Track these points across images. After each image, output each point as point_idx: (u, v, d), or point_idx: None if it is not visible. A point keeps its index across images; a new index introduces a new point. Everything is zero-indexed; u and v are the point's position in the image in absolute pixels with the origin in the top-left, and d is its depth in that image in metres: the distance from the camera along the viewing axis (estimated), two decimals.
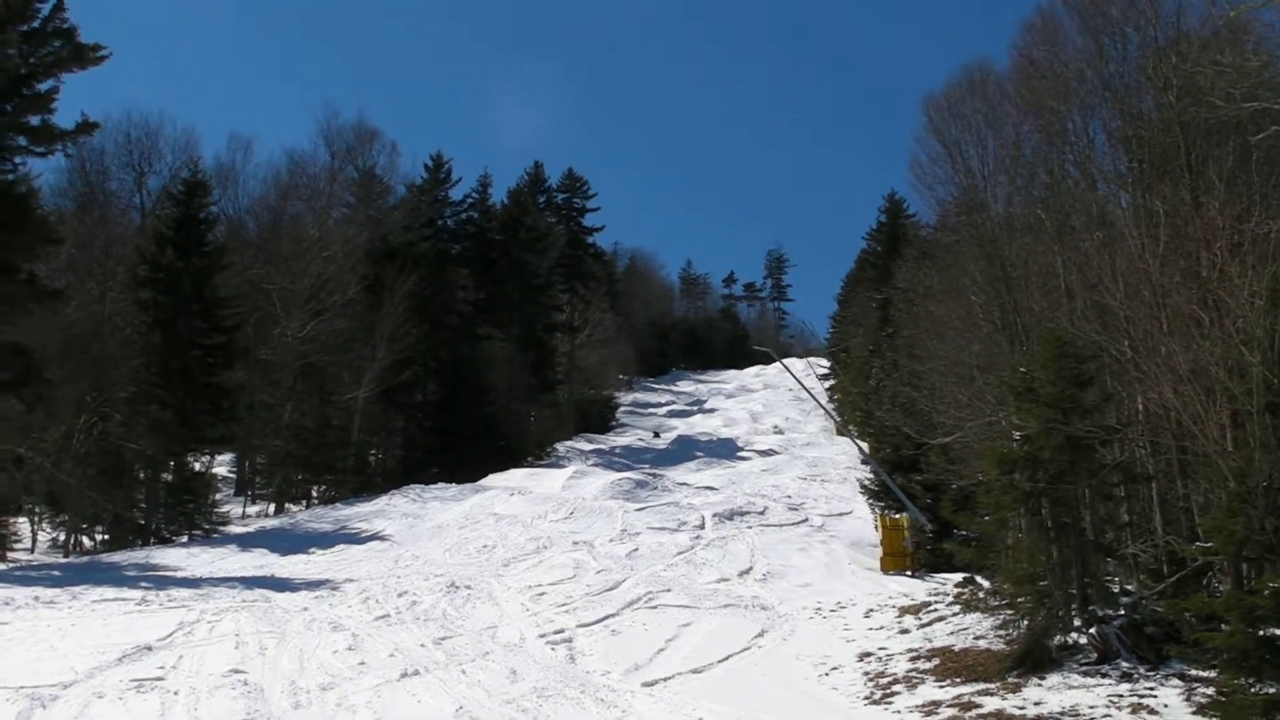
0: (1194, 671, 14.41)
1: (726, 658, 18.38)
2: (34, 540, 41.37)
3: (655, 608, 22.21)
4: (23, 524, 41.80)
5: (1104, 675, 15.00)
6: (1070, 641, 16.20)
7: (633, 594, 23.40)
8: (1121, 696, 14.05)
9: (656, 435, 73.38)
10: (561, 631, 19.91)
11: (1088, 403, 17.05)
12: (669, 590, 23.92)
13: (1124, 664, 15.25)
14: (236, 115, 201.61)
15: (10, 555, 38.04)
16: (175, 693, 13.80)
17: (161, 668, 15.14)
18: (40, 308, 33.97)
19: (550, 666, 17.04)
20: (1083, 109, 22.51)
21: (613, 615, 21.41)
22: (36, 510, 41.73)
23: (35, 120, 33.30)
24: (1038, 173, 24.91)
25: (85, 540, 40.81)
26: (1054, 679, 15.13)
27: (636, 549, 29.75)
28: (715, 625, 20.76)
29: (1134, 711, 13.45)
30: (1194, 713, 13.28)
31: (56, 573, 27.80)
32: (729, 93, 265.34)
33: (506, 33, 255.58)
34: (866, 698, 15.82)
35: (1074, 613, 16.50)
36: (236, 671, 15.16)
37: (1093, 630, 15.86)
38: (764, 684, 16.65)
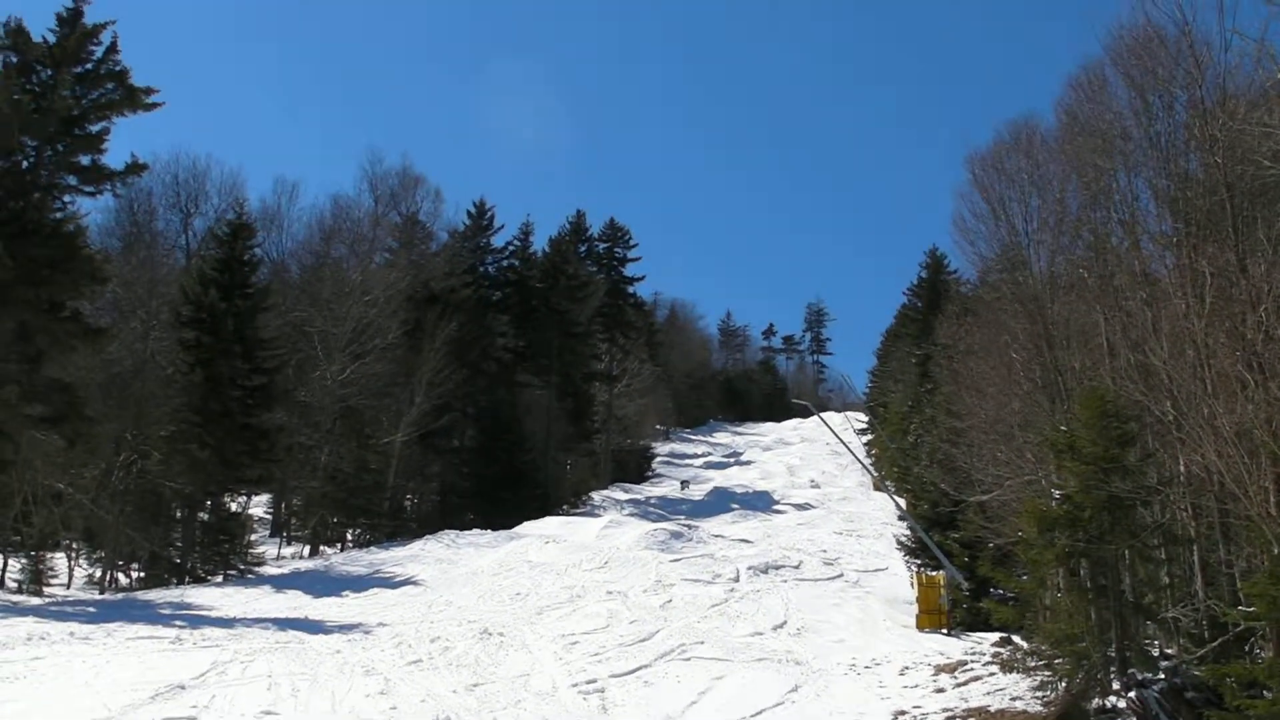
0: None
1: (759, 712, 18.24)
2: (70, 576, 41.55)
3: (688, 659, 22.08)
4: (60, 560, 42.01)
5: None
6: (1109, 705, 15.99)
7: (666, 645, 23.27)
8: None
9: (684, 486, 73.05)
10: (594, 681, 19.81)
11: (1129, 462, 16.91)
12: (702, 642, 23.77)
13: None
14: (282, 159, 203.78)
15: (47, 590, 38.18)
16: None
17: (194, 707, 15.13)
18: (84, 345, 34.29)
19: (582, 716, 16.94)
20: (1128, 167, 22.42)
21: (646, 666, 21.29)
22: (74, 546, 41.95)
23: (85, 160, 33.75)
24: (1082, 231, 24.80)
25: (121, 577, 40.96)
26: None
27: (670, 600, 29.60)
28: (748, 679, 20.62)
29: None
30: None
31: (92, 609, 27.86)
32: (774, 145, 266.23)
33: (552, 83, 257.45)
34: None
35: (1113, 675, 16.30)
36: (269, 713, 15.13)
37: (1132, 694, 15.65)
38: None
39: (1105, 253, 23.20)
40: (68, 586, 40.47)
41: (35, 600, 33.47)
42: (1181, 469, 18.44)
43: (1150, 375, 19.04)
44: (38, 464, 35.81)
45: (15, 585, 38.93)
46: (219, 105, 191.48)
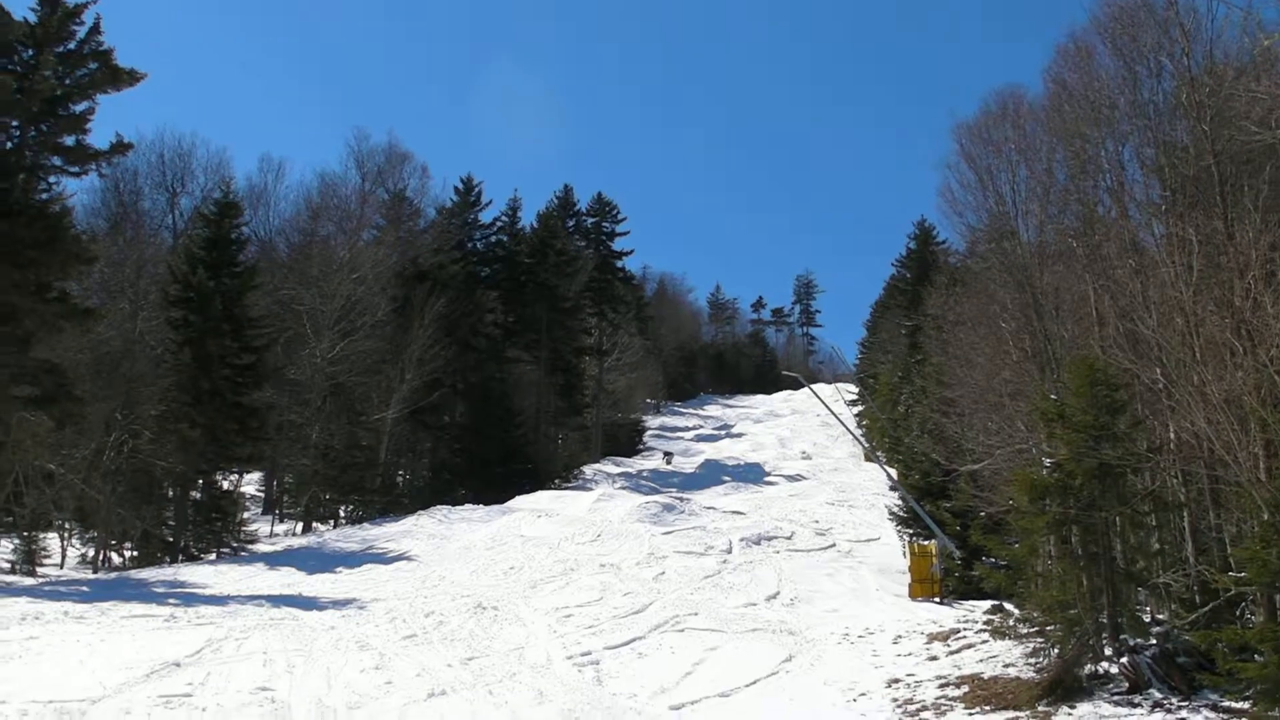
0: (1227, 702, 14.27)
1: (753, 682, 18.30)
2: (64, 556, 41.55)
3: (682, 631, 22.16)
4: (52, 540, 41.99)
5: (1135, 705, 14.86)
6: (1101, 670, 16.07)
7: (659, 617, 23.35)
8: None
9: (668, 459, 72.90)
10: (588, 654, 19.87)
11: (1119, 430, 16.93)
12: (696, 614, 23.86)
13: (1156, 694, 15.10)
14: (268, 137, 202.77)
15: (40, 571, 38.19)
16: (203, 709, 13.81)
17: (189, 684, 15.15)
18: (72, 326, 34.21)
19: (577, 688, 16.99)
20: (1115, 136, 22.41)
21: (639, 638, 21.37)
22: (66, 526, 41.94)
23: (70, 140, 33.59)
24: (1070, 200, 24.80)
25: (114, 556, 40.96)
26: (1084, 708, 15.00)
27: (663, 572, 29.69)
28: (742, 649, 20.69)
29: None
30: None
31: (85, 588, 27.87)
32: (760, 117, 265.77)
33: (536, 53, 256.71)
34: None
35: (1105, 641, 16.37)
36: (264, 689, 15.16)
37: (1124, 659, 15.72)
38: (791, 709, 16.57)
39: (1093, 222, 23.20)
40: (61, 566, 40.47)
41: (29, 580, 33.46)
42: (1171, 436, 18.49)
43: (1139, 343, 19.08)
44: (28, 445, 35.76)
45: (8, 566, 38.93)
46: (203, 84, 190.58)
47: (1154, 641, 16.08)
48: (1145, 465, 18.03)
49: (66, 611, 21.49)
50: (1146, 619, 17.58)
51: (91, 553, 40.91)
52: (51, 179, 33.71)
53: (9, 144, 32.47)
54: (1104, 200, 23.27)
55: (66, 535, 42.15)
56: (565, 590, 27.01)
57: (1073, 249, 23.24)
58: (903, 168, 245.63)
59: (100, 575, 36.06)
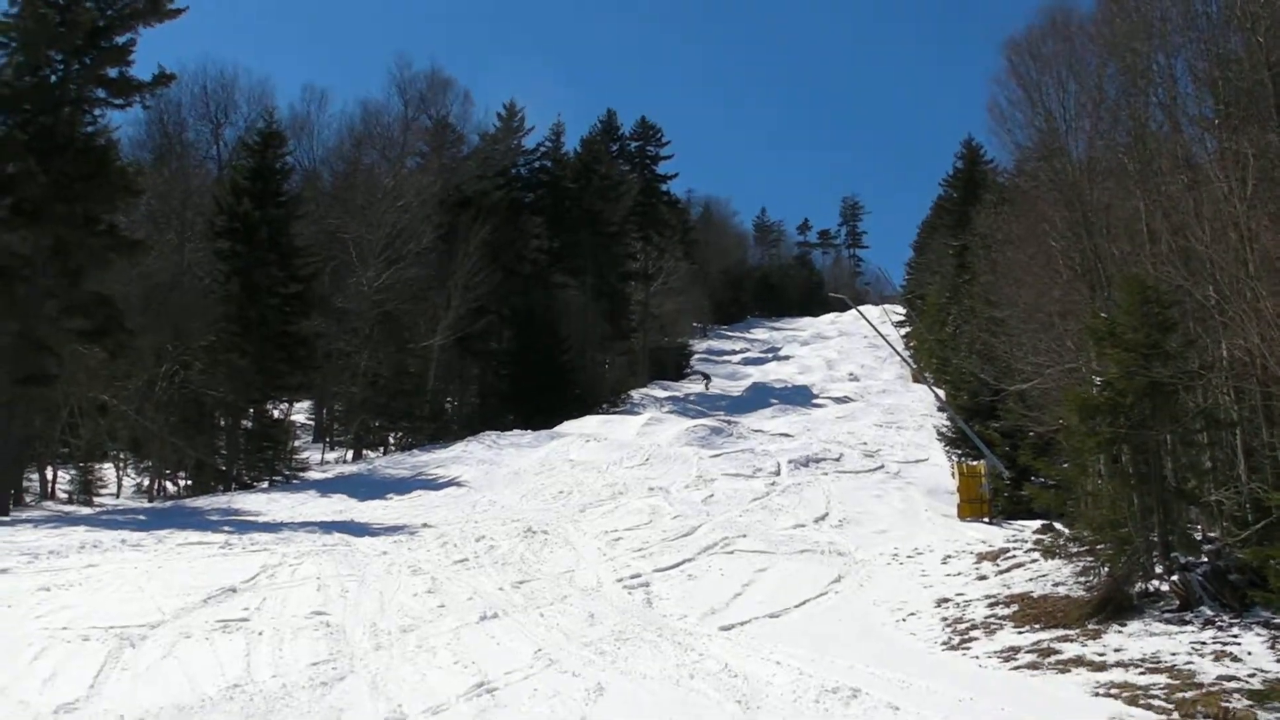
0: (1279, 619, 14.20)
1: (803, 603, 18.34)
2: (119, 485, 42.14)
3: (731, 553, 22.22)
4: (108, 470, 42.59)
5: (1186, 623, 14.79)
6: (1151, 589, 15.99)
7: (708, 539, 23.41)
8: (1204, 644, 13.85)
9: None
10: (638, 576, 19.96)
11: (1171, 348, 16.73)
12: (745, 536, 23.90)
13: (1207, 611, 15.02)
14: (310, 66, 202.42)
15: (97, 500, 38.76)
16: (260, 633, 13.99)
17: (246, 609, 15.35)
18: (121, 258, 34.50)
19: (627, 610, 17.10)
20: (1167, 49, 21.93)
21: (689, 560, 21.44)
22: (121, 456, 42.52)
23: (113, 73, 33.68)
24: (1120, 116, 24.35)
25: (169, 485, 41.51)
26: (1135, 626, 14.94)
27: (712, 495, 29.74)
28: (791, 571, 20.73)
29: (1216, 659, 13.25)
30: (1278, 660, 13.08)
31: (142, 517, 28.25)
32: (804, 37, 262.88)
33: None
34: (944, 643, 15.72)
35: (1155, 560, 16.28)
36: (319, 613, 15.34)
37: (1175, 577, 15.64)
38: (841, 629, 16.59)
39: (1145, 137, 22.78)
40: (117, 496, 41.06)
41: (86, 510, 33.96)
42: (1224, 353, 18.26)
43: (1192, 260, 18.79)
44: (81, 377, 36.21)
45: (66, 496, 39.56)
46: (244, 13, 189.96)
47: (1205, 559, 15.98)
48: (1197, 383, 17.82)
49: (124, 540, 21.78)
50: (1198, 537, 17.44)
51: (146, 482, 41.48)
52: (96, 112, 33.89)
53: (53, 77, 32.59)
54: (1155, 115, 22.85)
55: (122, 465, 42.73)
56: (614, 514, 27.12)
57: (1124, 165, 22.86)
58: (949, 86, 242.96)
59: (156, 504, 36.59)
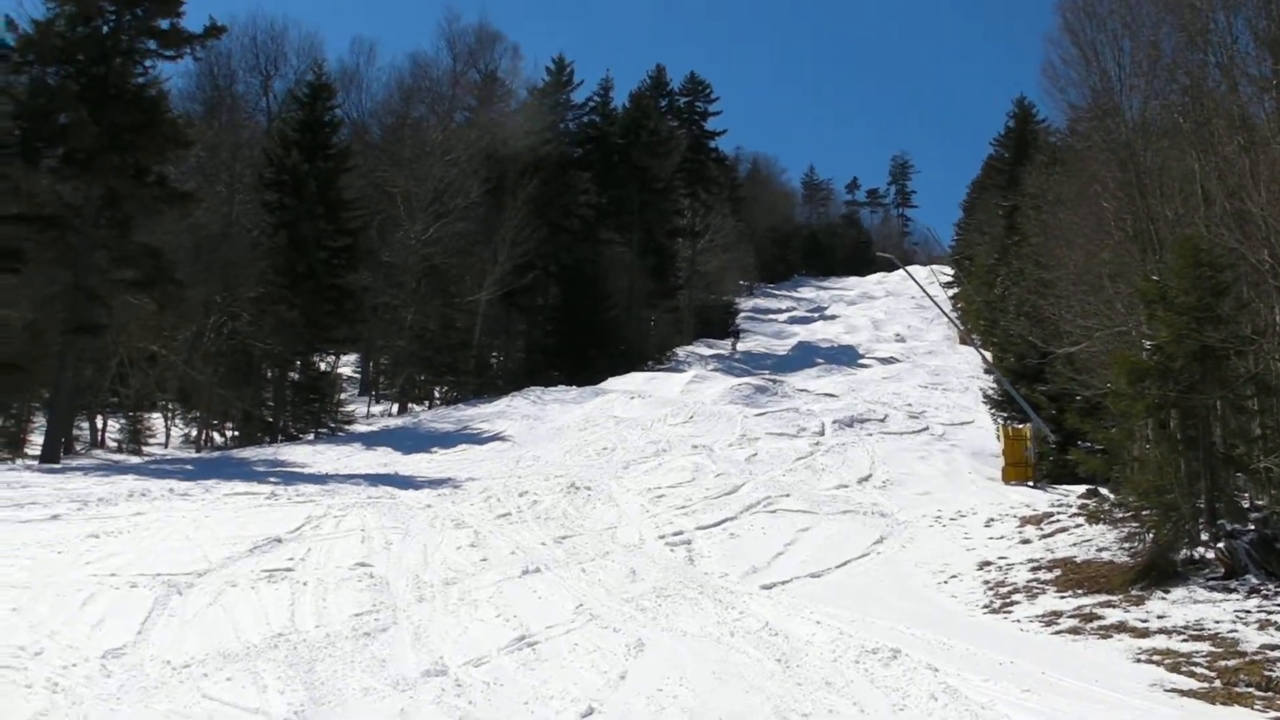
0: None
1: (844, 563, 18.35)
2: (168, 435, 42.61)
3: (774, 512, 22.22)
4: (157, 420, 43.07)
5: (1231, 590, 14.68)
6: (1197, 556, 15.88)
7: (751, 498, 23.43)
8: (1249, 612, 13.75)
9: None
10: (680, 533, 20.01)
11: (1223, 312, 16.55)
12: (788, 495, 23.90)
13: (1252, 579, 14.90)
14: (359, 19, 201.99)
15: (145, 450, 39.23)
16: (304, 583, 14.12)
17: (290, 559, 15.49)
18: (170, 209, 34.74)
19: (669, 567, 17.15)
20: (1227, 6, 21.57)
21: (731, 519, 21.47)
22: (169, 407, 42.98)
23: (164, 24, 33.80)
24: (1176, 75, 24.01)
25: (216, 436, 41.93)
26: (1179, 593, 14.85)
27: (755, 454, 29.71)
28: (834, 531, 20.73)
29: (1261, 628, 13.16)
30: None
31: (189, 467, 28.53)
32: None
33: None
34: (985, 606, 15.70)
35: (1201, 526, 16.16)
36: (362, 565, 15.46)
37: (1220, 544, 15.52)
38: (882, 590, 16.60)
39: (1201, 97, 22.45)
40: (165, 445, 41.53)
41: (135, 459, 34.36)
42: (1277, 319, 18.05)
43: (1247, 223, 18.55)
44: (131, 327, 36.62)
45: (115, 445, 40.08)
46: None
47: (1252, 527, 15.84)
48: (1249, 348, 17.61)
49: (172, 489, 22.02)
50: (1245, 504, 17.30)
51: (194, 432, 41.92)
52: (147, 63, 34.08)
53: (105, 28, 32.75)
54: (1213, 74, 22.50)
55: (170, 415, 43.20)
56: (657, 471, 27.14)
57: (1179, 125, 22.57)
58: (1001, 44, 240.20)
59: (203, 454, 36.96)
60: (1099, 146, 25.92)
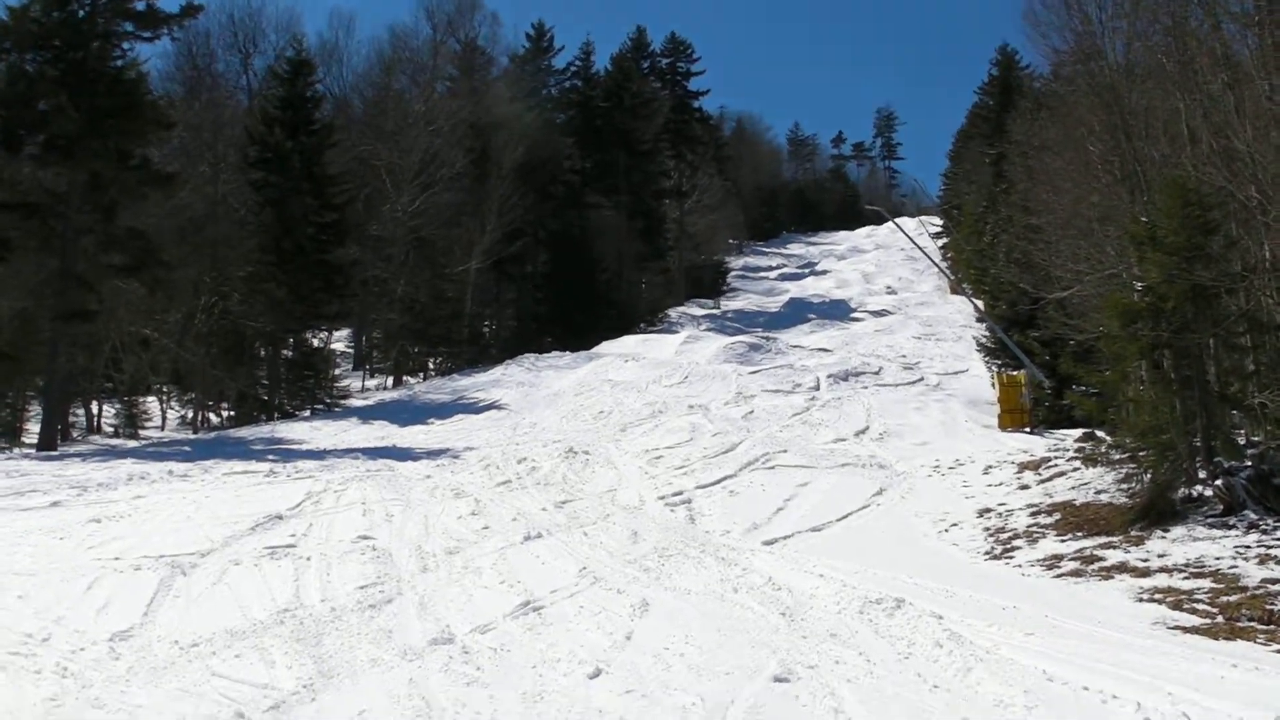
0: None
1: (845, 516, 18.40)
2: (164, 418, 42.65)
3: (772, 468, 22.28)
4: (152, 403, 43.08)
5: (1230, 527, 14.74)
6: (1195, 494, 15.92)
7: (750, 455, 23.48)
8: (1248, 548, 13.82)
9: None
10: (680, 493, 20.06)
11: (1213, 250, 16.54)
12: (786, 451, 23.96)
13: (1250, 515, 14.95)
14: None
15: (142, 433, 39.23)
16: (307, 558, 14.14)
17: (293, 535, 15.51)
18: (155, 192, 34.63)
19: (670, 527, 17.20)
20: None
21: (730, 476, 21.52)
22: (164, 389, 43.00)
23: (140, 5, 33.63)
24: (1159, 15, 23.92)
25: (212, 417, 41.97)
26: (1178, 531, 14.92)
27: (752, 411, 29.77)
28: (833, 484, 20.78)
29: (1261, 562, 13.22)
30: None
31: (187, 448, 28.53)
32: None
33: None
34: (987, 553, 15.76)
35: (1198, 465, 16.20)
36: (364, 538, 15.48)
37: (1218, 482, 15.56)
38: (884, 541, 16.65)
39: (1184, 36, 22.36)
40: (162, 428, 41.55)
41: (132, 443, 34.37)
42: (1267, 255, 18.04)
43: (1234, 160, 18.51)
44: (122, 312, 36.54)
45: (112, 430, 40.08)
46: None
47: (1249, 463, 15.90)
48: (1240, 286, 17.62)
49: (170, 471, 22.03)
50: (1241, 441, 17.34)
51: (190, 414, 41.97)
52: (125, 45, 33.90)
53: (80, 12, 32.54)
54: (1195, 13, 22.42)
55: (165, 398, 43.23)
56: (655, 432, 27.20)
57: (1163, 66, 22.50)
58: None
59: (200, 435, 36.99)
60: (1083, 90, 25.86)
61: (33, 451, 30.15)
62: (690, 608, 12.03)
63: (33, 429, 35.77)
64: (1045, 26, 26.90)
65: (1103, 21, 25.07)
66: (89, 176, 31.66)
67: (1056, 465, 20.97)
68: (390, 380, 49.83)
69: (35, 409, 37.67)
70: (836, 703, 8.93)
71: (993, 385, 30.52)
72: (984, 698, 9.02)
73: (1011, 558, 15.24)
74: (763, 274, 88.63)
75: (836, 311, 64.30)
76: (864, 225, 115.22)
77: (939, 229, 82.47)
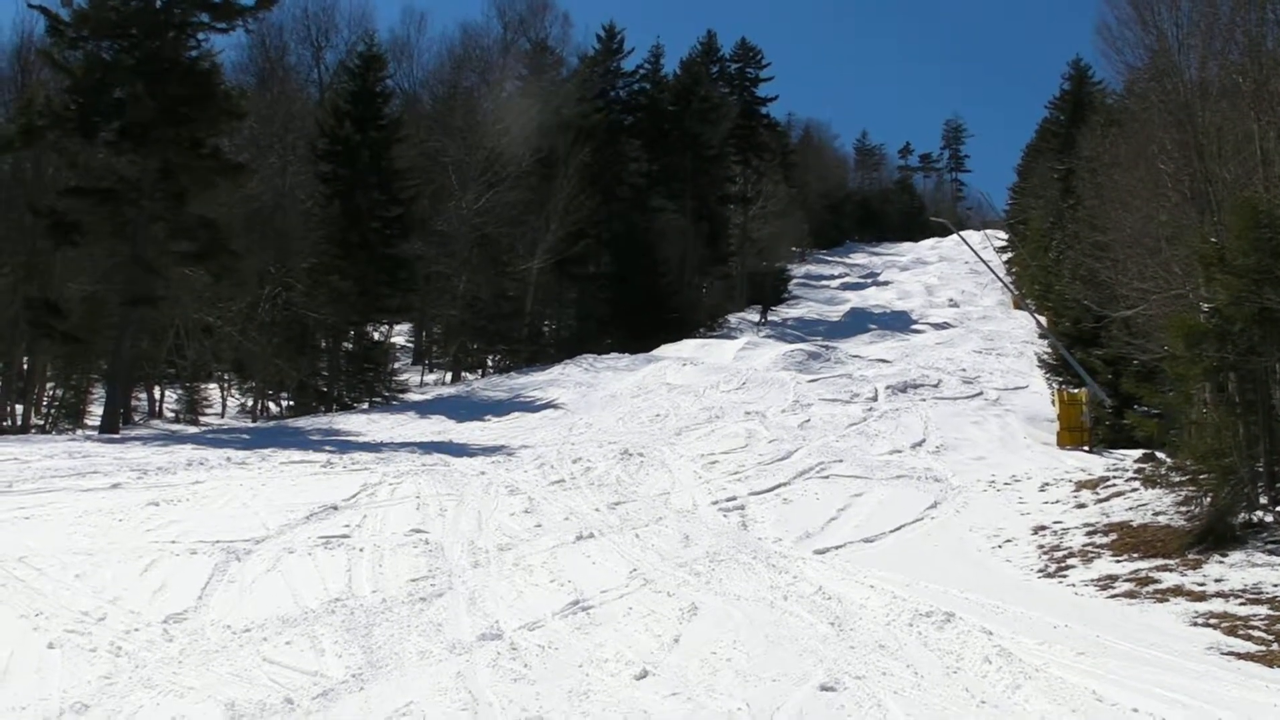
0: None
1: (898, 528, 18.32)
2: (224, 405, 43.12)
3: (827, 478, 22.22)
4: (213, 390, 43.57)
5: None
6: (1255, 520, 15.75)
7: (804, 464, 23.43)
8: None
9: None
10: (733, 499, 20.03)
11: None
12: (841, 461, 23.89)
13: None
14: None
15: (202, 419, 39.69)
16: (360, 550, 14.25)
17: (347, 526, 15.62)
18: (225, 181, 34.94)
19: (722, 533, 17.18)
20: None
21: (784, 484, 21.47)
22: (225, 377, 43.48)
23: None
24: (1235, 34, 23.66)
25: (271, 406, 42.37)
26: (1236, 557, 14.74)
27: (808, 420, 29.70)
28: (887, 496, 20.70)
29: None
30: None
31: (245, 436, 28.80)
32: None
33: None
34: (1040, 570, 15.65)
35: (1260, 490, 16.02)
36: (418, 531, 15.57)
37: (1279, 508, 15.40)
38: (936, 554, 16.57)
39: (1260, 56, 22.11)
40: (221, 415, 42.03)
41: (192, 429, 34.79)
42: None
43: None
44: (187, 299, 36.94)
45: (173, 415, 40.58)
46: None
47: None
48: None
49: (229, 458, 22.23)
50: None
51: (250, 402, 42.41)
52: (200, 36, 34.17)
53: (158, 2, 32.90)
54: (1271, 32, 22.16)
55: (226, 385, 43.71)
56: (710, 437, 27.18)
57: (1238, 85, 22.25)
58: (1057, 6, 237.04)
59: (259, 423, 37.34)
60: (1156, 107, 25.58)
61: (95, 434, 30.54)
62: (739, 613, 12.03)
63: (96, 411, 36.26)
64: (1119, 42, 26.62)
65: (1178, 39, 24.78)
66: (161, 164, 32.01)
67: (1115, 485, 20.77)
68: (448, 376, 50.07)
69: (99, 392, 38.18)
70: (882, 714, 8.91)
71: (1053, 402, 30.31)
72: (1031, 715, 8.97)
73: (1065, 576, 15.12)
74: (824, 282, 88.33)
75: (897, 322, 63.99)
76: (928, 237, 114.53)
77: (1004, 243, 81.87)
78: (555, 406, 34.74)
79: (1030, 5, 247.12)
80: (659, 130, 66.10)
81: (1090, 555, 16.09)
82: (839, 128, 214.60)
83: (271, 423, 36.44)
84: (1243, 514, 15.81)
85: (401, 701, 8.86)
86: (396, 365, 47.59)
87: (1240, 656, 10.80)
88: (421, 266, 47.84)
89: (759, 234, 78.95)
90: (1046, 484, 21.79)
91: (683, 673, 9.86)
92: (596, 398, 35.71)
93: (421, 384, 48.06)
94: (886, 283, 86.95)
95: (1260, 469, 16.08)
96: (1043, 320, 39.37)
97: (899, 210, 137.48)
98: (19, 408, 37.43)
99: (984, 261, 50.40)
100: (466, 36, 65.76)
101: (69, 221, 31.60)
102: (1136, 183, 26.14)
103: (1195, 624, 12.20)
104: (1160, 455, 20.97)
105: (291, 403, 42.02)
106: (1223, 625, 12.01)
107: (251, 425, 36.47)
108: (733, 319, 65.84)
